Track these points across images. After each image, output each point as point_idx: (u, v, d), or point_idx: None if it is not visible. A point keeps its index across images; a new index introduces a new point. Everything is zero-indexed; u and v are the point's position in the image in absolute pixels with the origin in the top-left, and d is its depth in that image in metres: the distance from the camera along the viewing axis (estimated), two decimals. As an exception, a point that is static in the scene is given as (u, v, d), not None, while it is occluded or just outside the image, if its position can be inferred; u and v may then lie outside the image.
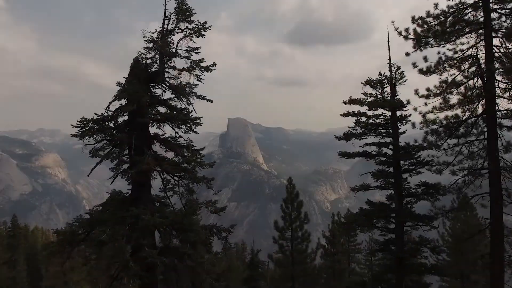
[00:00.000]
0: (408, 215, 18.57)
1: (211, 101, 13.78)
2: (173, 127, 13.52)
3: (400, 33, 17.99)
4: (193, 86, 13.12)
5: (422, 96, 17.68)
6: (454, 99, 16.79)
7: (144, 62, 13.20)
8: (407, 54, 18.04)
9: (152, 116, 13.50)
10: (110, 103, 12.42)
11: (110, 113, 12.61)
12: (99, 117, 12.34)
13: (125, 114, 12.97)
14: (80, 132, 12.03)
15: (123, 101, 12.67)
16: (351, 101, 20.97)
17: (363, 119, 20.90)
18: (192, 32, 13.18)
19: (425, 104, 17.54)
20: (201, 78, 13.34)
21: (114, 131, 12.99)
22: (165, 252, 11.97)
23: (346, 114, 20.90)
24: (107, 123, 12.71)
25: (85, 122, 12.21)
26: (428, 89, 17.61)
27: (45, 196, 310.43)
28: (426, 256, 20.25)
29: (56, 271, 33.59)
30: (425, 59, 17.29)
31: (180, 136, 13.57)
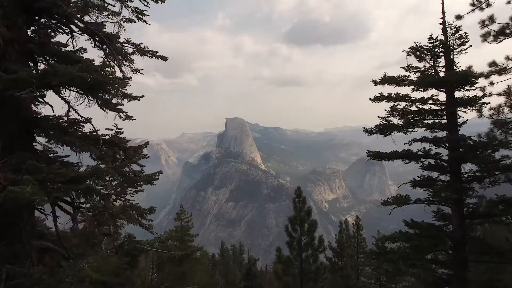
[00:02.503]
0: (482, 246, 12.25)
1: (166, 59, 7.46)
2: (65, 97, 6.51)
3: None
4: (119, 22, 6.53)
5: (480, 75, 12.95)
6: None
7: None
8: (459, 17, 13.45)
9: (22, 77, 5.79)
10: None
11: None
12: None
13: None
14: None
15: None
16: (385, 80, 14.79)
17: (402, 104, 14.76)
18: None
19: (491, 83, 12.42)
20: (144, 14, 6.92)
21: None
22: None
23: (379, 98, 14.77)
24: None
25: None
26: (493, 63, 12.63)
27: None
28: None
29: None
30: (491, 19, 12.35)
31: (88, 120, 6.62)
